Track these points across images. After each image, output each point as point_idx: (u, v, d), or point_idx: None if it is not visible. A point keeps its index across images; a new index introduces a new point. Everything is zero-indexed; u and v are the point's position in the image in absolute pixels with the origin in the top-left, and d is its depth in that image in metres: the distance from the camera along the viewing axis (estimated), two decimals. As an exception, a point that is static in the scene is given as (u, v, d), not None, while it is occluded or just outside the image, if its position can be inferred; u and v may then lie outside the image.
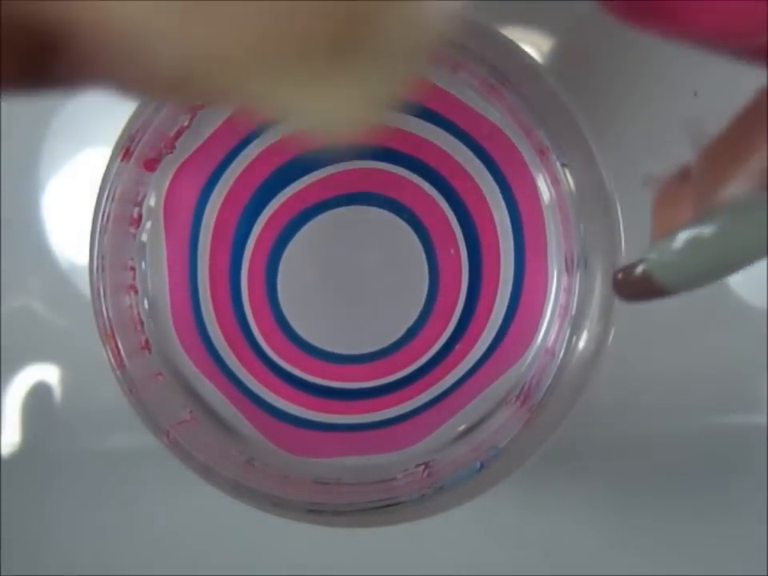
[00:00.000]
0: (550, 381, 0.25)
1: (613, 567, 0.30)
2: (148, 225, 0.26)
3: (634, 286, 0.16)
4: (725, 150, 0.15)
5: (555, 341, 0.25)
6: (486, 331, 0.26)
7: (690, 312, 0.29)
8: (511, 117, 0.25)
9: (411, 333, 0.26)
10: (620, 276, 0.17)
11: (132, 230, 0.25)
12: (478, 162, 0.25)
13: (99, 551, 0.31)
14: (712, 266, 0.15)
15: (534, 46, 0.28)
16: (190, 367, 0.26)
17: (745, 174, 0.14)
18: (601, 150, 0.23)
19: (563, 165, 0.24)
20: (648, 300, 0.16)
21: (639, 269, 0.16)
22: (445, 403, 0.26)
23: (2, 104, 0.29)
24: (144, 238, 0.26)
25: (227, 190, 0.25)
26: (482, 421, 0.26)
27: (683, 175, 0.16)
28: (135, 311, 0.26)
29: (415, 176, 0.25)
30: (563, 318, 0.25)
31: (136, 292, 0.26)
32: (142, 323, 0.26)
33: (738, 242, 0.14)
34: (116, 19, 0.08)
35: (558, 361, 0.25)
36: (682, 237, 0.15)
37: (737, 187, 0.14)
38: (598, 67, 0.28)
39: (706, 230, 0.14)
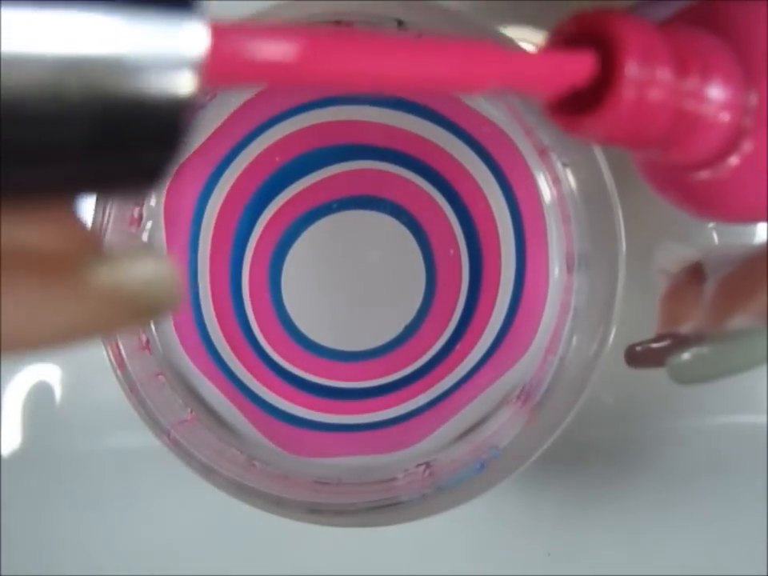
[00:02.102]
0: (551, 381, 0.25)
1: (613, 567, 0.30)
2: (148, 225, 0.26)
3: (645, 363, 0.21)
4: (736, 286, 0.19)
5: (556, 341, 0.25)
6: (486, 331, 0.26)
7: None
8: (512, 116, 0.25)
9: (409, 331, 0.26)
10: (638, 349, 0.21)
11: (132, 230, 0.25)
12: (478, 161, 0.25)
13: (99, 551, 0.31)
14: (716, 374, 0.19)
15: (534, 45, 0.28)
16: (190, 367, 0.26)
17: (749, 310, 0.18)
18: (601, 149, 0.23)
19: (564, 164, 0.24)
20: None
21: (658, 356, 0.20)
22: (445, 403, 0.26)
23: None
24: (144, 237, 0.26)
25: (227, 191, 0.25)
26: (482, 421, 0.26)
27: (692, 273, 0.20)
28: (135, 311, 0.26)
29: (415, 176, 0.25)
30: (564, 317, 0.25)
31: (136, 292, 0.26)
32: (142, 323, 0.26)
33: (738, 360, 0.18)
34: None
35: (559, 361, 0.25)
36: (697, 351, 0.19)
37: (741, 319, 0.18)
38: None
39: (716, 349, 0.18)
